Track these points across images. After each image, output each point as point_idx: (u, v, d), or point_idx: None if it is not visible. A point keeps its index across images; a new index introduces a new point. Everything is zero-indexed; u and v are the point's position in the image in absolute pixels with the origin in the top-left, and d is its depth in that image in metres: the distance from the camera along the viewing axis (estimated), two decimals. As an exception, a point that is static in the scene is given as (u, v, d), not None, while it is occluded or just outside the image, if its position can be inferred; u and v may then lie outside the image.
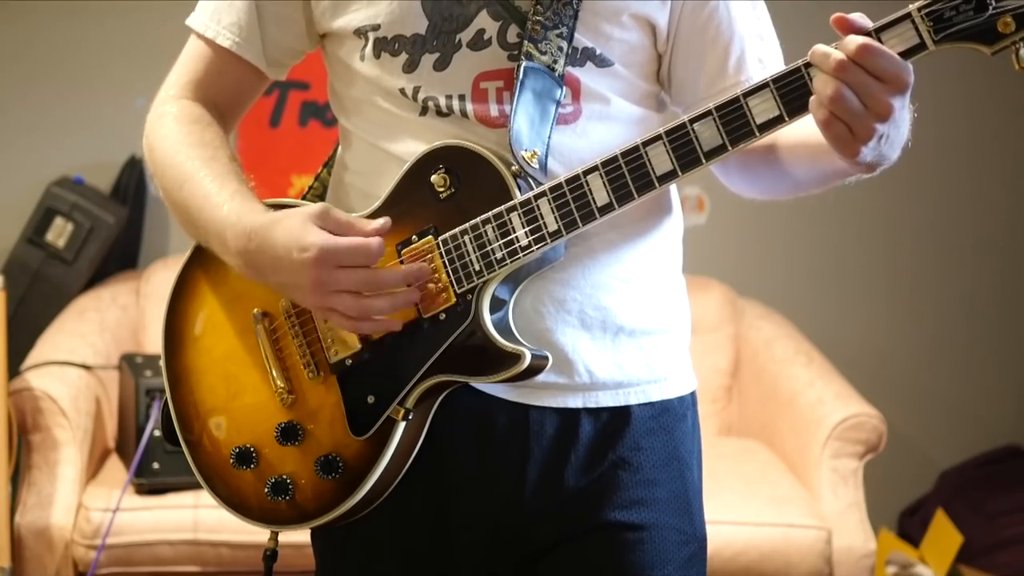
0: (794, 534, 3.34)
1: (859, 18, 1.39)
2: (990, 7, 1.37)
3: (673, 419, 1.66)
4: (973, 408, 4.45)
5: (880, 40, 1.39)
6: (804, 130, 1.48)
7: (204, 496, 3.40)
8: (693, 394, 1.71)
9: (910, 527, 4.20)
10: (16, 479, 3.42)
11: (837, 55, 1.37)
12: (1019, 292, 4.46)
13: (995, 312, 4.46)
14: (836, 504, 3.41)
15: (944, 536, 3.82)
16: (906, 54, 1.39)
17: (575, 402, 1.61)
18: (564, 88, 1.56)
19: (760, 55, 1.62)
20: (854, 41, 1.37)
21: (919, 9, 1.38)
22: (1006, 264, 4.45)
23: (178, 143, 1.63)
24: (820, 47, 1.39)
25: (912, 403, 4.37)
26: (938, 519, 3.89)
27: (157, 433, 3.27)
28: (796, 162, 1.57)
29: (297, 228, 1.50)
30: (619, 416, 1.62)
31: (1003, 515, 3.95)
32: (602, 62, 1.58)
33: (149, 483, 3.32)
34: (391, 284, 1.52)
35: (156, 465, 3.32)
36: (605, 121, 1.59)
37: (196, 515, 3.30)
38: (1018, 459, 4.31)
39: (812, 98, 1.41)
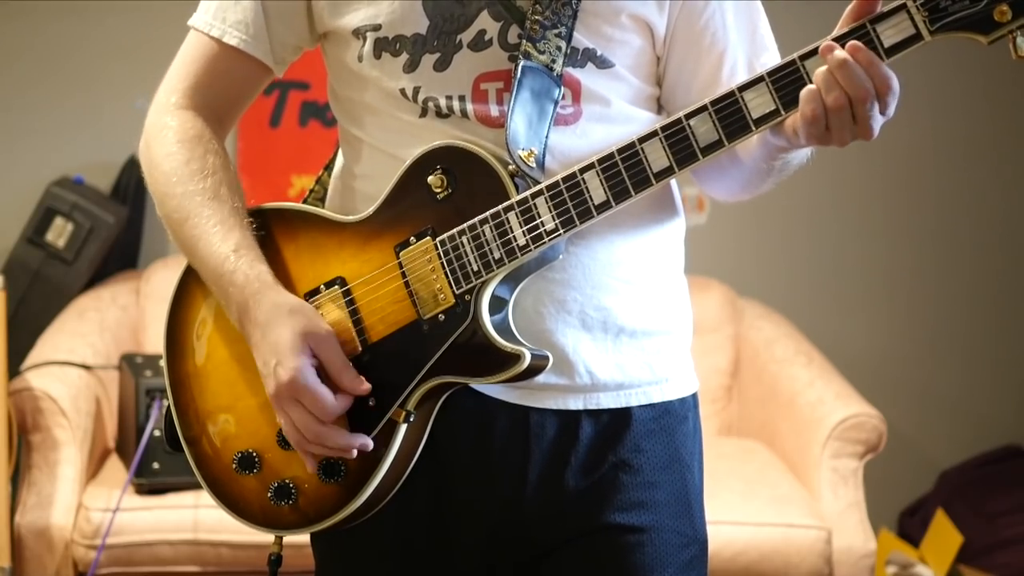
0: (794, 534, 3.34)
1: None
2: (986, -5, 1.37)
3: (674, 421, 1.65)
4: (973, 408, 4.45)
5: (876, 31, 1.40)
6: None
7: (204, 496, 3.40)
8: (695, 395, 1.70)
9: (910, 527, 4.19)
10: (16, 479, 3.41)
11: (857, 66, 1.39)
12: (1019, 291, 4.46)
13: (995, 312, 4.46)
14: (836, 504, 3.41)
15: (944, 536, 3.82)
16: (902, 45, 1.40)
17: (575, 404, 1.60)
18: (562, 88, 1.56)
19: (754, 65, 1.62)
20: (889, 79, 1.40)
21: None
22: (1006, 263, 4.45)
23: (181, 168, 1.62)
24: (836, 49, 1.40)
25: (912, 403, 4.37)
26: (938, 519, 3.89)
27: (157, 433, 3.27)
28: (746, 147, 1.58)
29: (289, 342, 1.52)
30: (619, 418, 1.62)
31: (1003, 515, 3.95)
32: (603, 63, 1.58)
33: (149, 483, 3.32)
34: (332, 445, 1.53)
35: (156, 465, 3.31)
36: (605, 122, 1.59)
37: (196, 515, 3.30)
38: (1018, 459, 4.31)
39: (805, 90, 1.41)
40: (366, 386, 1.54)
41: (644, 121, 1.61)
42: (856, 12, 1.42)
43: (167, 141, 1.63)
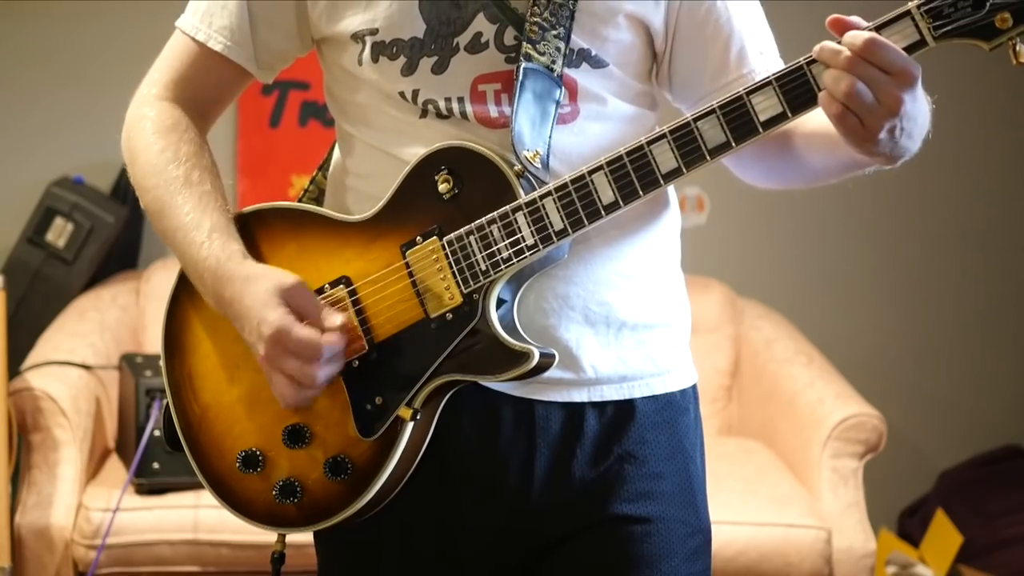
0: (794, 534, 3.34)
1: (855, 20, 1.42)
2: (987, 3, 1.39)
3: (676, 412, 1.67)
4: (973, 408, 4.45)
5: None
6: (821, 120, 1.50)
7: (204, 496, 3.39)
8: (694, 387, 1.72)
9: (910, 527, 4.20)
10: (16, 479, 3.42)
11: (847, 51, 1.40)
12: (1020, 292, 4.46)
13: (996, 312, 4.46)
14: (836, 504, 3.41)
15: (944, 536, 3.82)
16: (906, 51, 1.42)
17: (580, 396, 1.61)
18: (563, 88, 1.57)
19: (760, 47, 1.65)
20: (860, 36, 1.39)
21: (918, 6, 1.41)
22: (1007, 263, 4.45)
23: (155, 159, 1.63)
24: (828, 44, 1.42)
25: (912, 403, 4.38)
26: (938, 519, 3.89)
27: (157, 433, 3.27)
28: (814, 152, 1.60)
29: (263, 299, 1.53)
30: (623, 410, 1.63)
31: (1003, 515, 3.95)
32: (597, 63, 1.59)
33: (149, 483, 3.32)
34: (328, 377, 1.54)
35: (156, 465, 3.32)
36: (601, 120, 1.60)
37: (196, 515, 3.30)
38: (1018, 459, 4.31)
39: (822, 93, 1.43)
40: (345, 319, 1.54)
41: (639, 117, 1.63)
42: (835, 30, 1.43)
43: (145, 132, 1.65)
